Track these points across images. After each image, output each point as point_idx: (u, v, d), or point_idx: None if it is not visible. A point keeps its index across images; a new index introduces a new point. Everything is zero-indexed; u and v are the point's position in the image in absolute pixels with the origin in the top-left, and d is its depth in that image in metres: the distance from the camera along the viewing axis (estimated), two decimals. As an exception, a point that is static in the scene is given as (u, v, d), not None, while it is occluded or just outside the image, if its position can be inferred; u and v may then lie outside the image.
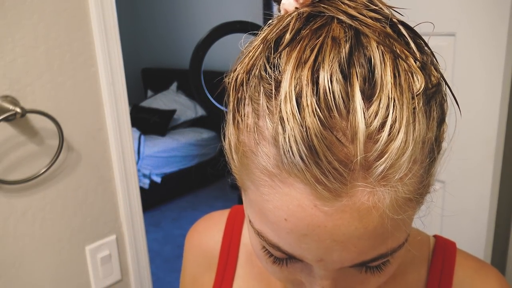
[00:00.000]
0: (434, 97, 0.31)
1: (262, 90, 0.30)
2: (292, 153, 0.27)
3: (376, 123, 0.27)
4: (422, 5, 0.97)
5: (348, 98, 0.27)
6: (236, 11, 4.28)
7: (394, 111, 0.27)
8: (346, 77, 0.27)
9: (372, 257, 0.31)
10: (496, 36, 0.86)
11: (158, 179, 3.75)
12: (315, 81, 0.27)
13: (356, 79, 0.27)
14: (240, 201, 0.42)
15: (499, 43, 0.86)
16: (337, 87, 0.27)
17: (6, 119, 0.91)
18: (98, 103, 1.10)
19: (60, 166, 1.06)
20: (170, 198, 3.94)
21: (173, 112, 4.22)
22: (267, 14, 4.05)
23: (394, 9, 0.33)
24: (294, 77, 0.28)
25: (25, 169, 0.99)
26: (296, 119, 0.27)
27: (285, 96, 0.27)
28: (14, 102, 0.94)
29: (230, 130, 0.34)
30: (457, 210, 1.00)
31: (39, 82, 0.99)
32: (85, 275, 1.14)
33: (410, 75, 0.29)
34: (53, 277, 1.08)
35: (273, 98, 0.29)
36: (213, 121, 4.17)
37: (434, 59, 0.33)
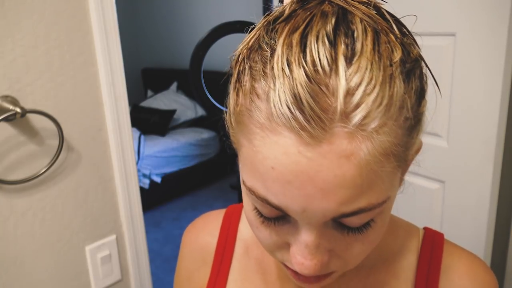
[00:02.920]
0: (413, 71, 0.35)
1: (259, 58, 0.35)
2: (280, 103, 0.31)
3: (355, 80, 0.31)
4: (422, 5, 0.97)
5: (332, 58, 0.32)
6: (236, 11, 4.28)
7: (371, 72, 0.31)
8: (332, 42, 0.32)
9: (352, 210, 0.34)
10: (496, 36, 0.86)
11: (158, 179, 3.75)
12: (303, 44, 0.32)
13: (340, 45, 0.32)
14: (240, 201, 0.42)
15: (499, 43, 0.86)
16: (322, 49, 0.32)
17: (6, 119, 0.91)
18: (98, 103, 1.10)
19: (60, 166, 1.06)
20: (170, 198, 3.94)
21: (173, 112, 4.22)
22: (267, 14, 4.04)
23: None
24: (286, 42, 0.33)
25: (25, 169, 1.00)
26: (285, 74, 0.31)
27: (277, 57, 0.33)
28: (14, 102, 0.94)
29: (230, 99, 0.38)
30: (457, 210, 1.00)
31: (39, 82, 0.99)
32: (85, 275, 1.14)
33: (389, 46, 0.34)
34: (53, 277, 1.08)
35: (268, 63, 0.33)
36: (213, 121, 4.17)
37: (415, 43, 0.38)
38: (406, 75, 0.34)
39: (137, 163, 2.88)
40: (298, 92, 0.31)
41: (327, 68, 0.31)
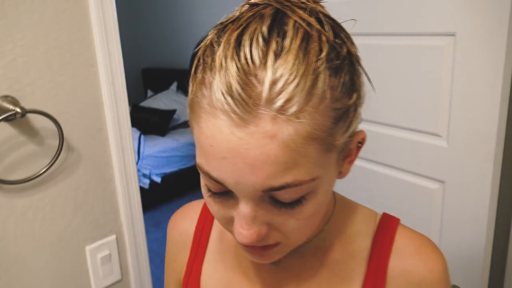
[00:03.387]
0: (341, 67, 0.40)
1: (210, 54, 0.41)
2: (217, 91, 0.38)
3: (280, 71, 0.36)
4: (422, 5, 0.97)
5: (263, 54, 0.37)
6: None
7: (295, 65, 0.37)
8: (266, 40, 0.38)
9: (280, 184, 0.39)
10: (496, 36, 0.86)
11: (158, 179, 3.75)
12: (239, 41, 0.38)
13: (272, 42, 0.38)
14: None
15: (499, 43, 0.86)
16: (255, 46, 0.38)
17: (6, 119, 0.91)
18: (98, 103, 1.10)
19: (60, 166, 1.06)
20: (170, 198, 3.94)
21: (173, 112, 4.22)
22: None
23: (321, 2, 0.45)
24: (226, 40, 0.39)
25: (25, 169, 1.00)
26: (222, 67, 0.38)
27: (218, 53, 0.39)
28: (14, 102, 0.94)
29: (189, 91, 0.44)
30: (457, 210, 1.00)
31: (39, 82, 0.99)
32: (85, 275, 1.14)
33: (318, 45, 0.39)
34: (53, 277, 1.08)
35: (214, 58, 0.40)
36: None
37: (350, 44, 0.44)
38: (334, 71, 0.39)
39: (137, 163, 2.88)
40: (230, 82, 0.37)
41: (257, 62, 0.37)
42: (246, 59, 0.37)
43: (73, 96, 1.06)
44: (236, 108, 0.37)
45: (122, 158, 1.15)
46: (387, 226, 0.56)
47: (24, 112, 0.92)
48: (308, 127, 0.37)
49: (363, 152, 1.21)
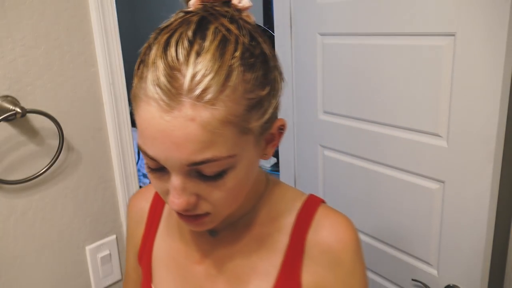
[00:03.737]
0: (255, 65, 0.49)
1: (148, 53, 0.48)
2: (149, 83, 0.46)
3: (199, 67, 0.45)
4: (422, 5, 0.97)
5: (187, 53, 0.46)
6: (236, 11, 4.28)
7: (211, 62, 0.45)
8: (191, 42, 0.46)
9: (201, 159, 0.47)
10: (496, 36, 0.86)
11: (158, 179, 3.74)
12: (167, 43, 0.47)
13: (195, 44, 0.46)
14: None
15: (499, 43, 0.86)
16: (181, 46, 0.46)
17: (6, 119, 0.91)
18: (98, 103, 1.10)
19: (60, 166, 1.06)
20: (170, 198, 3.93)
21: (173, 112, 4.20)
22: (267, 14, 4.01)
23: (243, 13, 0.54)
24: (157, 41, 0.48)
25: (25, 169, 0.99)
26: (153, 64, 0.46)
27: (152, 53, 0.48)
28: (14, 102, 0.94)
29: (132, 85, 0.51)
30: (457, 210, 1.00)
31: (39, 82, 0.99)
32: (85, 275, 1.14)
33: (233, 46, 0.47)
34: (53, 277, 1.08)
35: (150, 56, 0.48)
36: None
37: (266, 46, 0.53)
38: (247, 67, 0.48)
39: (137, 163, 2.87)
40: (158, 76, 0.45)
41: (181, 59, 0.45)
42: (172, 57, 0.46)
43: (73, 96, 1.06)
44: (163, 97, 0.45)
45: (122, 158, 1.15)
46: (310, 205, 0.64)
47: (24, 112, 0.92)
48: (223, 113, 0.46)
49: (363, 152, 1.21)
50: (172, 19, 0.51)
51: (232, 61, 0.47)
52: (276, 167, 3.32)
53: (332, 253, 0.61)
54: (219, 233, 0.65)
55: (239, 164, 0.50)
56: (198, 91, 0.45)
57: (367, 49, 1.13)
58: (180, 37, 0.47)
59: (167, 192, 0.53)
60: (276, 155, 3.34)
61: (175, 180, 0.50)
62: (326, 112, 1.33)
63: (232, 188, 0.52)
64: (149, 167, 0.52)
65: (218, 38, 0.47)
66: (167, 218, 0.72)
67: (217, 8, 0.52)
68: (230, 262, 0.64)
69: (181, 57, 0.46)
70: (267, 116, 0.52)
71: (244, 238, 0.64)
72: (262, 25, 3.71)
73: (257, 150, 0.54)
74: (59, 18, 1.01)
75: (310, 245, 0.61)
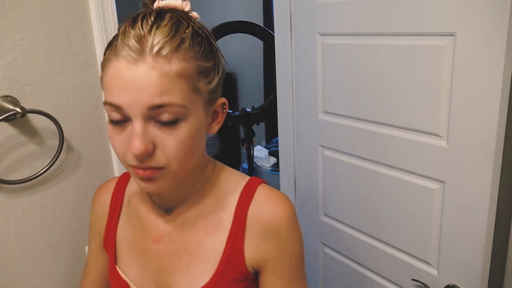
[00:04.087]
0: (202, 43, 0.63)
1: (115, 37, 0.61)
2: (120, 44, 0.59)
3: (159, 34, 0.59)
4: (422, 5, 0.97)
5: (150, 27, 0.59)
6: (236, 11, 4.28)
7: (168, 32, 0.59)
8: (151, 20, 0.60)
9: (159, 102, 0.58)
10: (496, 36, 0.86)
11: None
12: (134, 20, 0.60)
13: (156, 22, 0.60)
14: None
15: (499, 43, 0.86)
16: (145, 21, 0.60)
17: (6, 119, 0.91)
18: (98, 103, 1.11)
19: (60, 166, 1.06)
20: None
21: (173, 112, 4.20)
22: (267, 14, 4.00)
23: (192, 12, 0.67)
24: (127, 20, 0.62)
25: (25, 169, 1.00)
26: (123, 32, 0.60)
27: (121, 27, 0.61)
28: (15, 102, 0.94)
29: (100, 66, 0.65)
30: (457, 210, 1.00)
31: (39, 82, 0.99)
32: (85, 275, 1.14)
33: (185, 26, 0.62)
34: (53, 277, 1.08)
35: (119, 32, 0.62)
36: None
37: (209, 35, 0.66)
38: (196, 43, 0.62)
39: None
40: (128, 39, 0.59)
41: (146, 30, 0.59)
42: (138, 28, 0.59)
43: (73, 96, 1.06)
44: (131, 53, 0.58)
45: (122, 158, 1.15)
46: (251, 185, 0.74)
47: (24, 112, 0.92)
48: (178, 67, 0.59)
49: (363, 152, 1.21)
50: (141, 10, 0.66)
51: (184, 35, 0.61)
52: (276, 167, 3.33)
53: (270, 227, 0.70)
54: (172, 212, 0.75)
55: (190, 118, 0.61)
56: (156, 48, 0.58)
57: (367, 49, 1.13)
58: (144, 16, 0.61)
59: (126, 148, 0.61)
60: (276, 155, 3.34)
61: (137, 125, 0.59)
62: (326, 112, 1.33)
63: (184, 140, 0.61)
64: (112, 122, 0.62)
65: (173, 20, 0.61)
66: (127, 206, 0.81)
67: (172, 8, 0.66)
68: (182, 239, 0.74)
69: (145, 28, 0.59)
70: (213, 85, 0.64)
71: (193, 217, 0.74)
72: (262, 25, 3.71)
73: (205, 117, 0.65)
74: (59, 18, 1.01)
75: (251, 221, 0.71)
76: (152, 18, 0.60)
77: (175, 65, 0.58)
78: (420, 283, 1.12)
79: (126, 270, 0.78)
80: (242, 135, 3.26)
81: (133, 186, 0.82)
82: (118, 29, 0.63)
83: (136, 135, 0.58)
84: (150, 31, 0.59)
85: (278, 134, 1.57)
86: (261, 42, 3.66)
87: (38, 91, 0.99)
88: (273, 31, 1.53)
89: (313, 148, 1.40)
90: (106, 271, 0.84)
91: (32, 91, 0.98)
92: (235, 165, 4.31)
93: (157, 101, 0.57)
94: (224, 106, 0.70)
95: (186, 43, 0.60)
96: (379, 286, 1.27)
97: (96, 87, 1.10)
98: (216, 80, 0.65)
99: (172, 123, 0.59)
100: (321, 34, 1.27)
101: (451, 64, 0.95)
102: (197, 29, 0.63)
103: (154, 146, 0.60)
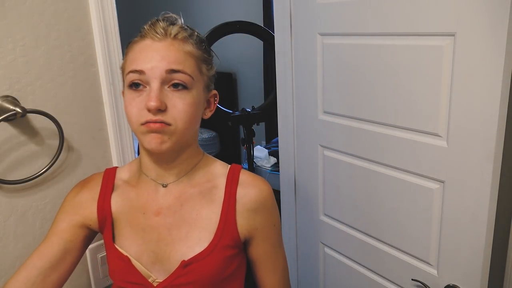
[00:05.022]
0: (203, 45, 0.83)
1: (142, 28, 0.81)
2: (147, 27, 0.79)
3: (175, 28, 0.79)
4: (422, 5, 0.97)
5: (167, 24, 0.79)
6: (236, 11, 4.28)
7: (181, 28, 0.81)
8: (171, 22, 0.80)
9: (176, 68, 0.76)
10: (496, 36, 0.86)
11: (158, 179, 3.73)
12: (155, 21, 0.80)
13: (174, 21, 0.81)
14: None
15: (499, 43, 0.86)
16: (160, 22, 0.79)
17: (6, 119, 0.91)
18: (98, 103, 1.11)
19: (60, 166, 1.06)
20: (170, 198, 3.91)
21: (173, 112, 4.20)
22: (267, 14, 4.00)
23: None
24: (146, 24, 0.81)
25: (26, 169, 1.00)
26: (150, 22, 0.80)
27: (144, 27, 0.80)
28: (15, 102, 0.94)
29: (125, 49, 0.83)
30: (457, 210, 1.00)
31: (40, 82, 0.99)
32: (85, 275, 1.14)
33: (192, 31, 0.82)
34: (53, 277, 1.08)
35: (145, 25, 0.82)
36: (213, 121, 4.15)
37: (206, 44, 0.84)
38: (199, 42, 0.82)
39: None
40: (155, 27, 0.78)
41: (168, 24, 0.79)
42: (162, 22, 0.79)
43: (73, 96, 1.06)
44: (157, 35, 0.77)
45: (122, 158, 1.15)
46: (234, 170, 0.90)
47: (24, 112, 0.92)
48: (190, 48, 0.79)
49: (363, 152, 1.21)
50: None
51: (194, 33, 0.81)
52: (276, 167, 3.32)
53: (258, 201, 0.87)
54: (168, 186, 0.86)
55: (194, 89, 0.78)
56: (174, 33, 0.78)
57: (367, 49, 1.13)
58: (164, 18, 0.80)
59: (141, 108, 0.75)
60: (276, 155, 3.34)
61: (154, 86, 0.75)
62: (326, 112, 1.33)
63: (189, 104, 0.77)
64: (131, 87, 0.77)
65: (184, 24, 0.81)
66: (121, 189, 0.90)
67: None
68: (181, 211, 0.85)
69: (167, 22, 0.79)
70: (211, 73, 0.84)
71: (188, 191, 0.86)
72: (262, 25, 3.71)
73: (203, 98, 0.83)
74: (59, 18, 1.01)
75: (240, 197, 0.86)
76: (172, 19, 0.80)
77: (188, 46, 0.78)
78: (420, 283, 1.12)
79: (126, 245, 0.85)
80: (242, 135, 3.26)
81: (124, 173, 0.92)
82: (142, 28, 0.81)
83: (154, 92, 0.74)
84: (167, 26, 0.78)
85: (278, 134, 1.57)
86: (261, 42, 3.66)
87: (38, 91, 0.99)
88: (273, 31, 1.53)
89: (313, 148, 1.40)
90: (60, 255, 0.85)
91: (32, 91, 0.98)
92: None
93: (174, 66, 0.75)
94: (216, 98, 0.87)
95: (194, 38, 0.80)
96: (379, 286, 1.27)
97: (96, 87, 1.10)
98: (212, 72, 0.84)
99: (182, 88, 0.76)
100: (321, 34, 1.27)
101: (451, 64, 0.95)
102: (199, 34, 0.84)
103: (166, 107, 0.75)
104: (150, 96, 0.73)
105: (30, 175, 0.99)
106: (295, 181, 1.54)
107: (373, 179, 1.21)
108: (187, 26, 0.82)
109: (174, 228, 0.84)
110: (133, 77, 0.76)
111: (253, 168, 3.23)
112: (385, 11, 1.06)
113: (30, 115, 0.98)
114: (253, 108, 3.21)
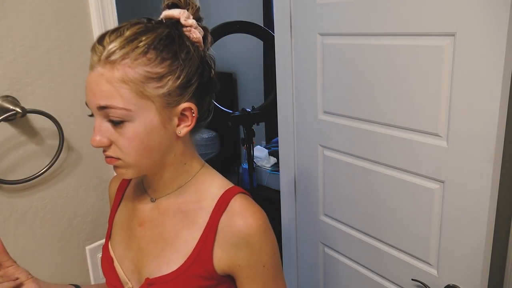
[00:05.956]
0: (163, 50, 0.69)
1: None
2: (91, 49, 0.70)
3: (114, 43, 0.67)
4: (422, 4, 0.97)
5: (115, 37, 0.68)
6: (236, 11, 4.28)
7: (122, 42, 0.67)
8: (119, 31, 0.69)
9: (104, 104, 0.67)
10: (496, 36, 0.86)
11: (158, 179, 3.74)
12: (103, 34, 0.70)
13: (121, 32, 0.69)
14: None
15: (499, 43, 0.86)
16: (111, 33, 0.69)
17: (6, 119, 0.91)
18: (98, 103, 1.10)
19: (60, 166, 1.06)
20: (170, 198, 3.92)
21: (173, 112, 4.20)
22: (267, 14, 3.99)
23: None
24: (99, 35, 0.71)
25: (26, 169, 1.00)
26: (94, 45, 0.69)
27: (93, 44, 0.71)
28: (15, 102, 0.94)
29: None
30: (457, 210, 1.00)
31: (39, 82, 0.99)
32: (85, 275, 1.14)
33: (146, 36, 0.69)
34: (53, 277, 1.08)
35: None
36: (213, 121, 4.15)
37: (177, 46, 0.71)
38: (155, 49, 0.68)
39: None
40: (94, 48, 0.69)
41: (108, 41, 0.68)
42: (100, 40, 0.69)
43: (73, 96, 1.06)
44: (93, 58, 0.68)
45: (122, 158, 1.15)
46: (229, 193, 0.78)
47: (24, 112, 0.92)
48: (121, 74, 0.67)
49: (363, 152, 1.21)
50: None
51: (139, 44, 0.67)
52: (276, 167, 3.32)
53: (241, 235, 0.74)
54: (157, 200, 0.82)
55: (137, 120, 0.69)
56: (107, 55, 0.66)
57: (367, 49, 1.13)
58: (117, 29, 0.69)
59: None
60: (276, 155, 3.34)
61: (96, 122, 0.70)
62: (326, 112, 1.33)
63: (131, 139, 0.69)
64: (91, 115, 0.73)
65: (139, 30, 0.69)
66: (128, 192, 0.90)
67: (169, 18, 0.75)
68: (161, 226, 0.81)
69: (107, 39, 0.68)
70: (166, 90, 0.69)
71: (174, 209, 0.80)
72: (262, 25, 3.71)
73: (162, 119, 0.70)
74: (59, 18, 1.01)
75: (222, 226, 0.75)
76: (123, 28, 0.69)
77: (118, 72, 0.66)
78: (420, 283, 1.12)
79: (115, 247, 0.86)
80: (242, 135, 3.26)
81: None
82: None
83: (95, 130, 0.70)
84: (109, 41, 0.68)
85: (278, 134, 1.57)
86: (261, 42, 3.66)
87: (38, 91, 0.99)
88: (273, 31, 1.53)
89: (313, 148, 1.40)
90: None
91: (32, 91, 0.98)
92: (235, 165, 4.32)
93: (101, 102, 0.67)
94: (193, 111, 0.73)
95: (139, 51, 0.67)
96: (379, 286, 1.27)
97: (96, 87, 1.10)
98: (170, 84, 0.69)
99: (118, 123, 0.68)
100: (321, 34, 1.27)
101: (451, 64, 0.95)
102: (164, 36, 0.70)
103: (110, 142, 0.70)
104: (93, 133, 0.70)
105: (30, 175, 0.99)
106: (295, 181, 1.54)
107: (373, 179, 1.21)
108: (152, 28, 0.70)
109: (151, 242, 0.81)
110: (88, 106, 0.72)
111: (253, 168, 3.23)
112: (385, 11, 1.06)
113: (30, 115, 0.98)
114: (253, 108, 3.21)
